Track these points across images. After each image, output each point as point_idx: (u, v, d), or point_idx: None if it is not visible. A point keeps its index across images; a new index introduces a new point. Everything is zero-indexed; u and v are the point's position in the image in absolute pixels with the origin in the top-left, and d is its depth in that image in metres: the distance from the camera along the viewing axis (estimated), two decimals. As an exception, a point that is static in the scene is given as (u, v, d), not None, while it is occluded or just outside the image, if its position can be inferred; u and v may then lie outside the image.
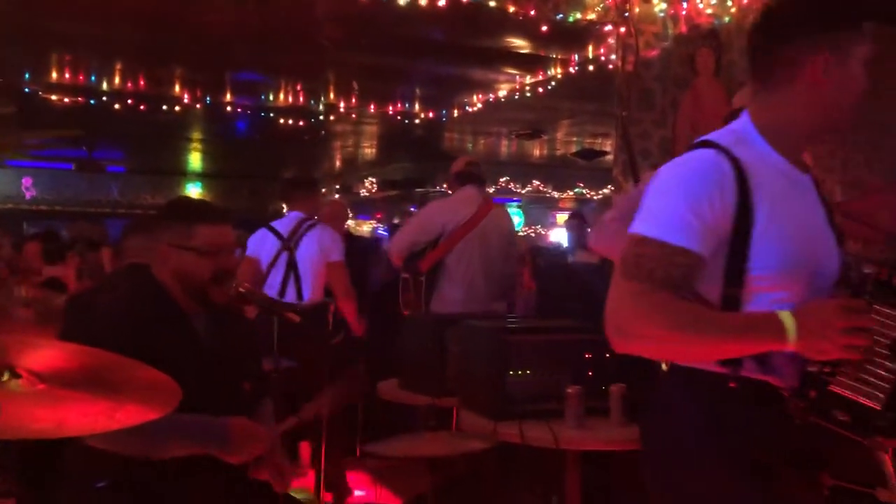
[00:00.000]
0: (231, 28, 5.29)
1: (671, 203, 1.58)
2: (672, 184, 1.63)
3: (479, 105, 8.12)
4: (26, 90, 7.21)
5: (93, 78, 7.02)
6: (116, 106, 7.56)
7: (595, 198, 14.79)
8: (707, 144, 1.64)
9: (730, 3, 4.56)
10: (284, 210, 4.91)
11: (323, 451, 3.39)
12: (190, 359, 2.28)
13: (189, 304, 2.38)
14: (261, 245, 4.69)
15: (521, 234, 13.29)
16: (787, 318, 1.49)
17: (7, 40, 6.16)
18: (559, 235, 14.08)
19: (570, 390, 2.84)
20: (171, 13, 4.85)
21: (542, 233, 15.71)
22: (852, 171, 4.53)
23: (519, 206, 15.27)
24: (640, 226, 1.61)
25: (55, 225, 12.42)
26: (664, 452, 1.74)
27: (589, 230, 5.35)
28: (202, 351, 2.38)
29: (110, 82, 7.14)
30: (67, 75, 6.94)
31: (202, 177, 14.56)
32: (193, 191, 14.45)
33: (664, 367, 2.76)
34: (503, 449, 3.14)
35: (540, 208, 16.14)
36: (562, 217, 16.57)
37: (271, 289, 4.61)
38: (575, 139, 11.55)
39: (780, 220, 1.57)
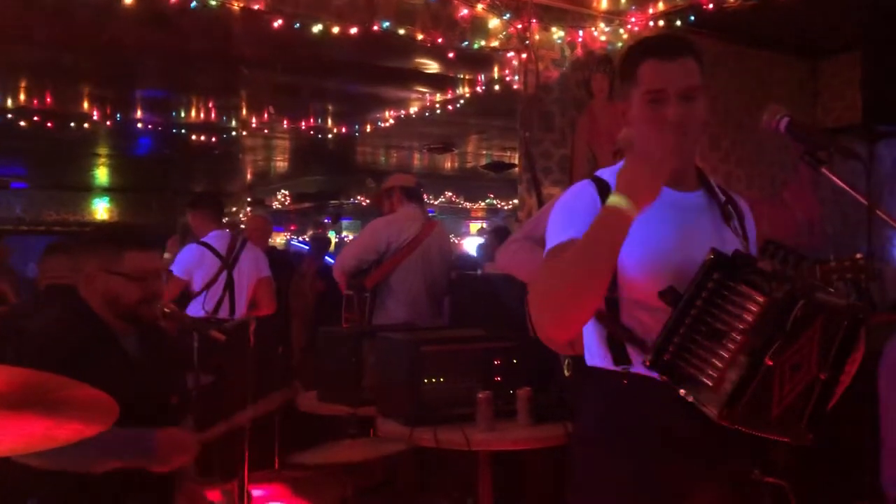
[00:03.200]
0: (140, 47, 5.31)
1: (558, 220, 1.88)
2: (558, 209, 1.93)
3: (391, 121, 8.31)
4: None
5: (-5, 95, 6.88)
6: (22, 123, 7.41)
7: (505, 207, 15.18)
8: (586, 177, 1.95)
9: (622, 31, 4.89)
10: (201, 226, 4.92)
11: (246, 462, 3.50)
12: (121, 376, 2.38)
13: (117, 323, 2.48)
14: (199, 264, 4.73)
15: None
16: (612, 198, 1.68)
17: None
18: (471, 245, 14.39)
19: (480, 395, 3.06)
20: (78, 33, 4.85)
21: (456, 242, 15.99)
22: (734, 185, 4.94)
23: (433, 216, 15.51)
24: (545, 249, 1.88)
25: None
26: (574, 443, 2.02)
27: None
28: (132, 368, 2.48)
29: (15, 100, 7.01)
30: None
31: (110, 191, 14.22)
32: (101, 206, 14.10)
33: (566, 372, 3.03)
34: (420, 456, 3.33)
35: (453, 218, 16.43)
36: (475, 226, 16.93)
37: (207, 304, 4.66)
38: (485, 152, 11.85)
39: (639, 232, 1.74)
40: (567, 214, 1.86)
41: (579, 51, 4.92)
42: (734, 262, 1.68)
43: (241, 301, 4.78)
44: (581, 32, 4.89)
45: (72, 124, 7.66)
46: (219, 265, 4.73)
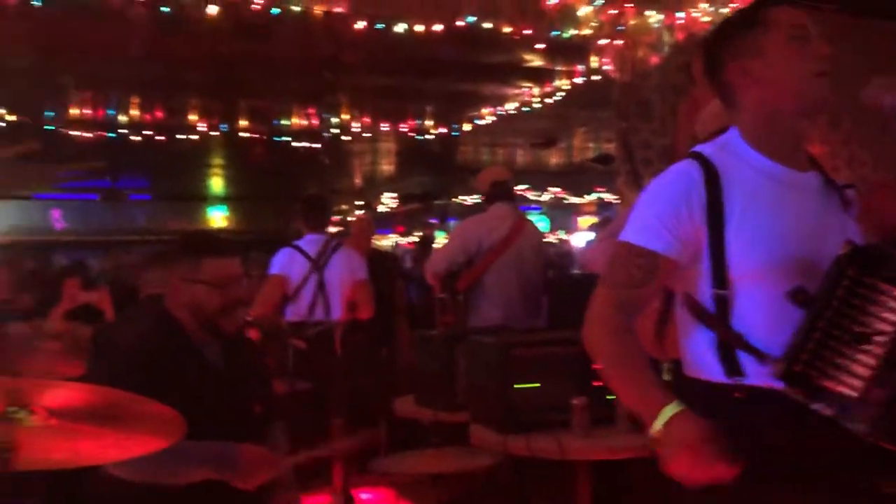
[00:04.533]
0: (238, 57, 5.44)
1: (642, 211, 1.70)
2: (646, 195, 1.73)
3: (491, 118, 8.22)
4: (49, 127, 7.45)
5: (111, 112, 7.24)
6: (136, 137, 7.78)
7: (615, 201, 14.79)
8: (688, 155, 1.73)
9: (726, 10, 4.60)
10: (303, 230, 4.99)
11: (340, 468, 3.48)
12: (203, 386, 2.40)
13: (201, 334, 2.50)
14: (290, 265, 4.79)
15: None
16: (665, 412, 1.52)
17: (27, 79, 6.38)
18: (582, 240, 14.09)
19: (576, 401, 2.91)
20: (181, 47, 5.01)
21: (566, 238, 15.71)
22: (858, 169, 4.55)
23: (542, 213, 15.31)
24: (621, 234, 1.71)
25: (84, 255, 12.73)
26: None
27: None
28: (214, 378, 2.49)
29: (128, 115, 7.36)
30: (87, 111, 7.17)
31: (226, 200, 14.78)
32: (218, 215, 14.66)
33: (666, 377, 2.83)
34: (516, 462, 3.21)
35: (561, 214, 16.15)
36: (584, 221, 16.57)
37: (300, 307, 4.72)
38: (591, 145, 11.59)
39: (756, 219, 1.59)
40: (656, 208, 1.67)
41: (679, 34, 4.66)
42: (871, 256, 1.49)
43: (336, 304, 4.78)
44: (681, 14, 4.63)
45: (182, 136, 7.97)
46: (308, 267, 4.75)
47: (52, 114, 7.32)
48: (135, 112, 7.29)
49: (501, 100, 7.64)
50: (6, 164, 9.43)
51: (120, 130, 7.69)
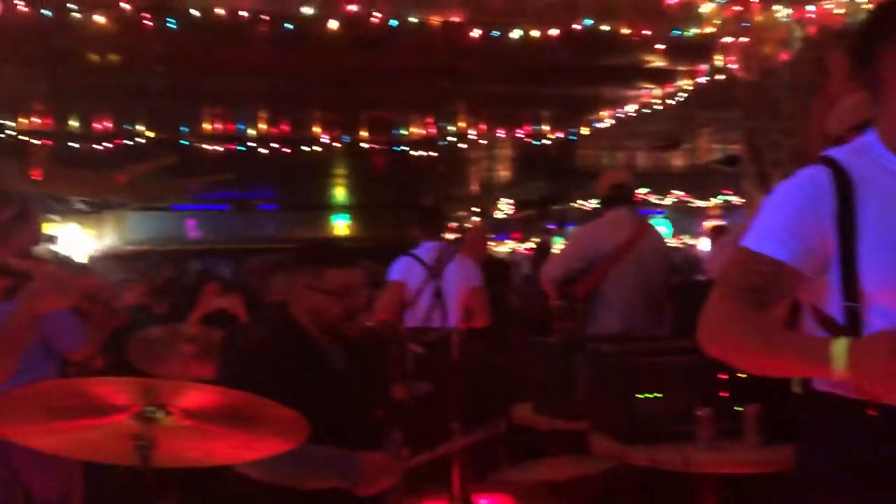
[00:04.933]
0: (357, 70, 5.58)
1: (767, 217, 1.63)
2: (771, 201, 1.66)
3: (610, 121, 8.09)
4: (184, 142, 7.90)
5: (241, 127, 7.61)
6: (264, 150, 8.13)
7: (742, 204, 14.21)
8: (819, 160, 1.64)
9: (863, 1, 4.33)
10: (419, 238, 5.06)
11: (459, 474, 3.48)
12: (325, 391, 2.46)
13: (323, 338, 2.57)
14: (408, 272, 4.87)
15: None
16: (838, 347, 1.42)
17: (165, 99, 6.80)
18: (708, 244, 13.60)
19: (700, 413, 2.81)
20: (304, 62, 5.19)
21: (691, 243, 15.22)
22: None
23: (665, 217, 14.92)
24: (743, 239, 1.64)
25: (217, 262, 13.41)
26: (798, 481, 1.72)
27: None
28: (336, 383, 2.55)
29: (257, 129, 7.71)
30: (219, 126, 7.57)
31: (349, 209, 15.19)
32: (341, 223, 15.08)
33: (796, 389, 2.68)
34: (636, 472, 3.12)
35: (685, 218, 15.67)
36: (710, 225, 15.99)
37: (417, 313, 4.78)
38: (717, 146, 11.21)
39: (892, 228, 1.50)
40: (781, 215, 1.59)
41: (810, 28, 4.43)
42: None
43: (452, 310, 4.80)
44: (812, 7, 4.39)
45: (306, 148, 8.27)
46: (425, 275, 4.80)
47: (186, 129, 7.76)
48: (262, 126, 7.63)
49: (621, 102, 7.50)
50: (147, 177, 10.06)
51: (249, 143, 8.06)
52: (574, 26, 4.31)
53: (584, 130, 8.53)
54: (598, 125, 8.21)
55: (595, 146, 10.64)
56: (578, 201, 13.94)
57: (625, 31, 4.25)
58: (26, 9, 3.83)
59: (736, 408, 2.85)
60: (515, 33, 4.16)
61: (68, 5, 3.79)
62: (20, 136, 7.35)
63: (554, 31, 4.24)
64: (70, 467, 3.50)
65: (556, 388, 3.54)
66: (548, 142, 8.85)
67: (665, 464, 2.73)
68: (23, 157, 8.03)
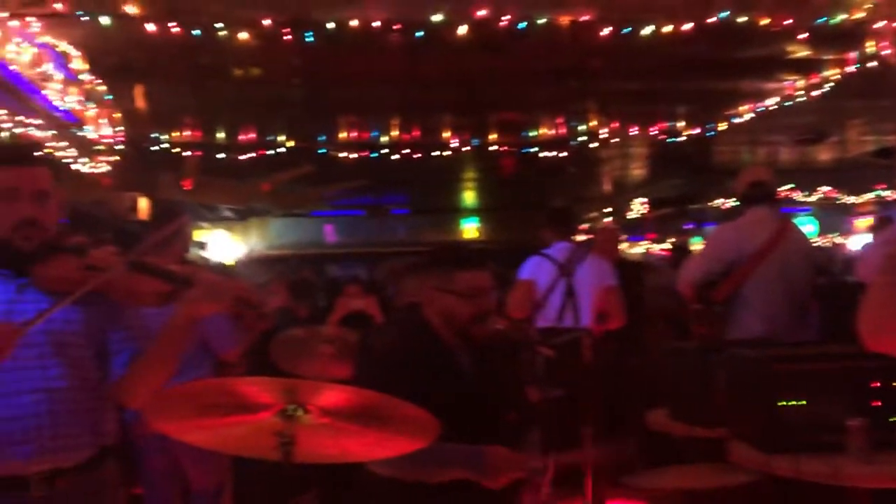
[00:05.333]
0: (486, 73, 5.62)
1: None
2: None
3: (750, 115, 7.75)
4: (322, 151, 8.21)
5: (374, 134, 7.84)
6: (396, 156, 8.33)
7: (899, 198, 13.24)
8: None
9: None
10: (550, 240, 5.03)
11: (592, 479, 3.43)
12: (456, 391, 2.50)
13: (454, 340, 2.60)
14: (537, 271, 4.85)
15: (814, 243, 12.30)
16: None
17: (303, 110, 7.10)
18: (859, 243, 12.75)
19: (852, 423, 2.64)
20: (431, 68, 5.27)
21: (840, 242, 14.34)
22: None
23: (811, 215, 14.13)
24: None
25: (353, 265, 13.86)
26: None
27: None
28: (467, 384, 2.58)
29: (389, 136, 7.91)
30: (353, 134, 7.82)
31: (477, 212, 15.30)
32: (470, 226, 15.21)
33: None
34: (778, 483, 2.97)
35: (834, 215, 14.77)
36: (861, 222, 14.98)
37: (548, 313, 4.75)
38: (869, 138, 10.52)
39: None
40: None
41: (973, 7, 4.08)
42: None
43: (585, 311, 4.74)
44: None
45: (437, 153, 8.40)
46: (556, 274, 4.75)
47: (323, 138, 8.07)
48: (395, 133, 7.82)
49: (761, 95, 7.17)
50: (287, 186, 10.52)
51: (382, 150, 8.27)
52: (709, 20, 4.16)
53: (722, 126, 8.21)
54: (737, 120, 7.88)
55: (734, 142, 10.22)
56: (717, 200, 13.42)
57: (764, 21, 4.06)
58: (178, 29, 4.11)
59: (891, 419, 2.67)
60: (647, 29, 4.05)
61: (216, 24, 4.04)
62: (173, 149, 7.87)
63: (687, 26, 4.10)
64: (222, 460, 3.72)
65: (694, 394, 3.43)
66: (683, 138, 8.58)
67: (812, 476, 2.59)
68: (176, 169, 8.59)
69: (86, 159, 6.78)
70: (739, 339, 3.87)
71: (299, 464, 1.81)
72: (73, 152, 6.63)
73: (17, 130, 5.76)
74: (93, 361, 2.14)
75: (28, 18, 4.18)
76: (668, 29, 4.09)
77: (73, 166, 6.64)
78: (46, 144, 6.39)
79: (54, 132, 6.21)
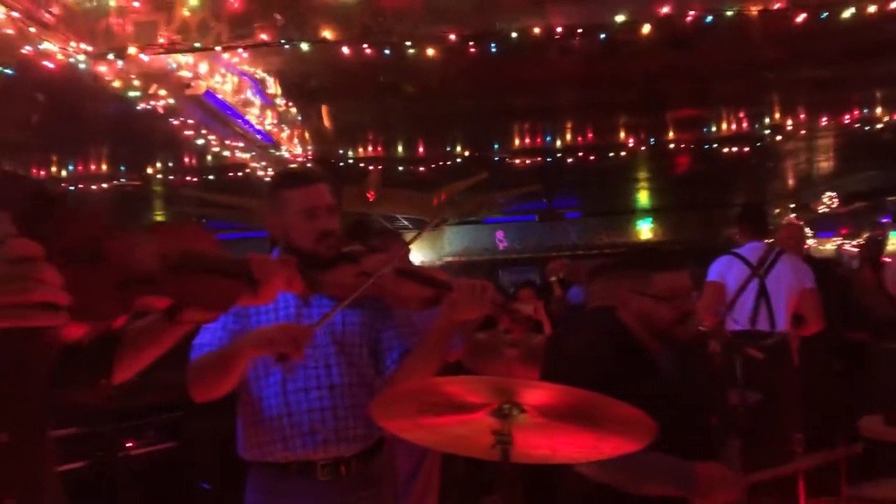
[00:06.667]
0: (665, 71, 5.48)
1: None
2: None
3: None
4: (496, 158, 8.33)
5: (548, 139, 7.85)
6: (569, 160, 8.29)
7: None
8: None
9: None
10: (737, 238, 4.85)
11: (803, 489, 3.27)
12: (658, 397, 2.45)
13: (653, 343, 2.57)
14: (727, 271, 4.69)
15: None
16: None
17: (479, 119, 7.24)
18: None
19: None
20: (610, 70, 5.21)
21: None
22: None
23: None
24: None
25: (524, 270, 13.91)
26: None
27: None
28: (669, 389, 2.53)
29: (563, 140, 7.90)
30: (527, 140, 7.88)
31: (651, 212, 14.93)
32: (644, 227, 14.86)
33: None
34: None
35: None
36: None
37: (740, 316, 4.56)
38: None
39: None
40: None
41: None
42: None
43: (780, 313, 4.50)
44: None
45: (611, 154, 8.28)
46: (747, 274, 4.55)
47: (497, 146, 8.18)
48: (568, 136, 7.79)
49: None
50: (461, 195, 10.74)
51: (556, 155, 8.27)
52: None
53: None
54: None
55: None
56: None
57: None
58: (369, 51, 4.34)
59: None
60: (847, 12, 3.80)
61: (406, 43, 4.22)
62: (359, 164, 8.27)
63: (894, 5, 3.81)
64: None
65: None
66: (880, 126, 7.94)
67: None
68: (360, 182, 9.02)
69: (281, 177, 7.26)
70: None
71: (504, 463, 1.85)
72: (270, 171, 7.17)
73: (225, 153, 6.32)
74: (368, 359, 2.36)
75: (238, 49, 4.56)
76: (872, 9, 3.81)
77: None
78: (250, 165, 6.96)
79: (254, 153, 6.74)
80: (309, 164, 7.59)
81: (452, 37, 4.12)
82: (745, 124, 7.80)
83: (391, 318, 2.39)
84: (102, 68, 4.29)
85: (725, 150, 8.39)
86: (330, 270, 2.23)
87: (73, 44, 3.93)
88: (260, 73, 5.83)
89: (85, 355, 1.51)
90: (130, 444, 4.11)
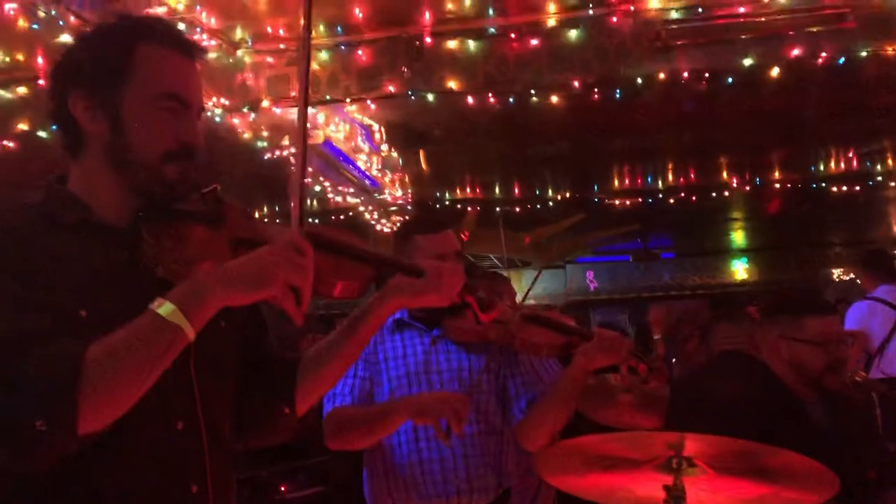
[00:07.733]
0: (779, 109, 5.38)
1: None
2: None
3: None
4: (595, 200, 8.29)
5: (649, 180, 7.77)
6: (671, 200, 8.18)
7: None
8: None
9: None
10: (868, 285, 4.68)
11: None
12: (810, 447, 2.37)
13: (803, 391, 2.50)
14: (869, 319, 4.53)
15: None
16: None
17: (578, 163, 7.23)
18: None
19: None
20: (707, 112, 5.14)
21: None
22: None
23: None
24: None
25: (615, 312, 13.66)
26: None
27: None
28: (821, 438, 2.45)
29: (664, 181, 7.80)
30: (627, 182, 7.82)
31: (747, 252, 14.55)
32: (740, 267, 14.48)
33: None
34: None
35: None
36: None
37: (886, 364, 4.39)
38: None
39: None
40: None
41: None
42: None
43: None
44: None
45: (713, 194, 8.13)
46: (894, 319, 4.38)
47: (596, 187, 8.15)
48: (670, 177, 7.70)
49: None
50: (549, 239, 10.69)
51: (656, 196, 8.17)
52: None
53: None
54: None
55: None
56: None
57: None
58: (493, 100, 4.43)
59: None
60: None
61: (531, 91, 4.30)
62: (457, 205, 8.37)
63: None
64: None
65: None
66: None
67: None
68: (457, 222, 9.11)
69: (384, 220, 7.45)
70: None
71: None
72: (375, 215, 7.33)
73: (338, 199, 6.50)
74: (496, 407, 2.36)
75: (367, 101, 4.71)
76: None
77: (377, 227, 7.36)
78: (356, 209, 7.13)
79: (363, 198, 6.91)
80: (409, 207, 7.73)
81: (576, 83, 4.17)
82: (854, 163, 7.56)
83: (517, 366, 2.38)
84: (236, 121, 4.53)
85: (834, 189, 8.15)
86: (455, 316, 2.24)
87: (213, 98, 4.16)
88: (367, 120, 6.00)
89: (267, 376, 1.56)
90: (283, 488, 4.14)
